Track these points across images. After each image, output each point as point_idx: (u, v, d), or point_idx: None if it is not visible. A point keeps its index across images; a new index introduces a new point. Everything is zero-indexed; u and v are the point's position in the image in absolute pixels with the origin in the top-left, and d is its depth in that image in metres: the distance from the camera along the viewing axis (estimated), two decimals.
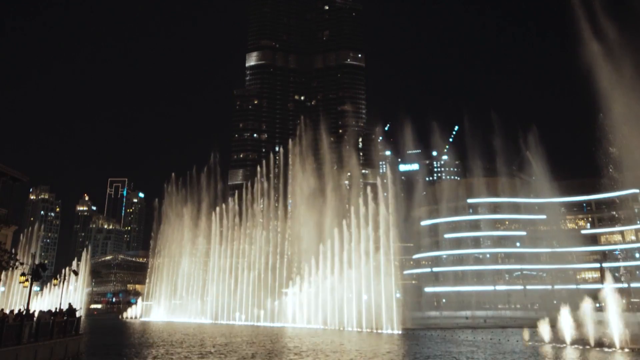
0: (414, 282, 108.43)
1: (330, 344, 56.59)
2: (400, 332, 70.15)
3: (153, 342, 59.65)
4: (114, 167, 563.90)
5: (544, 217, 78.99)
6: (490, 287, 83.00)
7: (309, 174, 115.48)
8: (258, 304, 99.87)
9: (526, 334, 59.05)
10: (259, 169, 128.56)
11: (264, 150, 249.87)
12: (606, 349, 50.42)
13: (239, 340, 60.66)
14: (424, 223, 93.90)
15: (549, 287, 77.94)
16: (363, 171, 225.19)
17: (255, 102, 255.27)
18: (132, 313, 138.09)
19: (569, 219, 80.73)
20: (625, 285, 67.07)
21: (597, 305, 64.21)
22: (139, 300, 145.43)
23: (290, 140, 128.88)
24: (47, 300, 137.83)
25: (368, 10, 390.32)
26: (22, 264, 38.60)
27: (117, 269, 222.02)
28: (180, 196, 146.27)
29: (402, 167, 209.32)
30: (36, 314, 41.40)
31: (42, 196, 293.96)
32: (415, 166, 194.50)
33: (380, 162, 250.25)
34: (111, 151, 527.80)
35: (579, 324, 55.90)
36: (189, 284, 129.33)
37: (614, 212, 77.50)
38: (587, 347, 52.84)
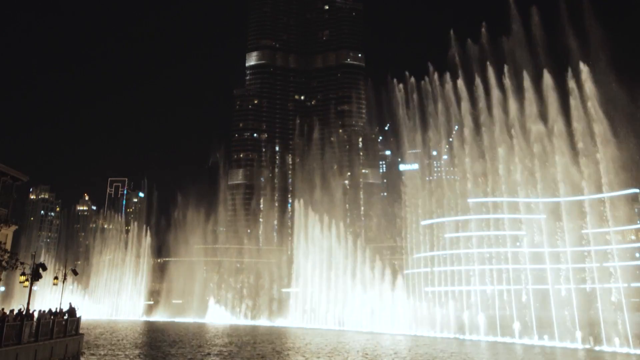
0: (413, 282, 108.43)
1: None
2: None
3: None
4: (114, 167, 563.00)
5: (544, 216, 78.95)
6: (490, 287, 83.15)
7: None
8: None
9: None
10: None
11: (264, 150, 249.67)
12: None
13: None
14: (423, 222, 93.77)
15: (549, 287, 78.07)
16: (363, 171, 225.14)
17: (255, 101, 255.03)
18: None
19: (569, 218, 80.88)
20: (626, 285, 67.04)
21: (596, 305, 64.16)
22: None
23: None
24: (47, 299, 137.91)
25: (368, 10, 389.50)
26: (22, 263, 38.61)
27: None
28: (190, 201, 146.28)
29: (402, 167, 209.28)
30: (36, 314, 41.45)
31: (42, 196, 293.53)
32: (415, 166, 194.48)
33: (380, 162, 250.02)
34: (111, 151, 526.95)
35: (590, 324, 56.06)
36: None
37: (614, 212, 77.77)
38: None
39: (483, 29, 78.96)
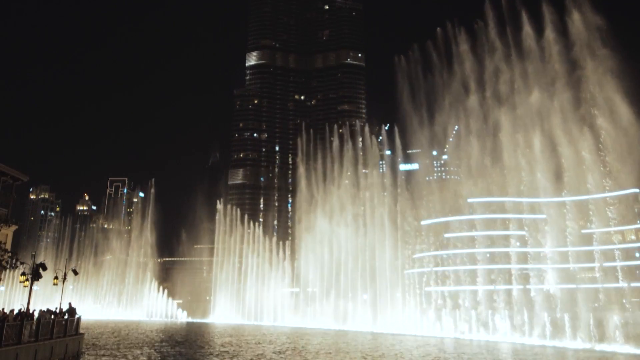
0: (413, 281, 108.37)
1: None
2: None
3: None
4: (114, 167, 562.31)
5: (544, 216, 79.07)
6: (490, 287, 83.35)
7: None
8: None
9: None
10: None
11: (264, 149, 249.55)
12: None
13: None
14: (424, 222, 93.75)
15: (549, 286, 78.36)
16: (363, 171, 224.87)
17: (255, 101, 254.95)
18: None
19: (569, 218, 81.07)
20: (625, 284, 67.16)
21: (597, 304, 64.15)
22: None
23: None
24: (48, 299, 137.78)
25: (368, 10, 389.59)
26: (22, 263, 38.54)
27: None
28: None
29: (402, 167, 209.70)
30: (36, 314, 41.36)
31: (42, 196, 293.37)
32: (415, 166, 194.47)
33: (380, 162, 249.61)
34: (111, 151, 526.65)
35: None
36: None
37: (614, 212, 77.88)
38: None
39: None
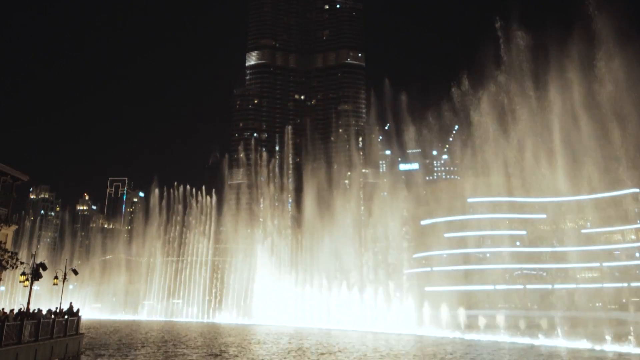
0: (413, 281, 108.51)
1: None
2: None
3: None
4: (114, 167, 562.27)
5: (544, 216, 79.10)
6: (490, 287, 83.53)
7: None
8: None
9: None
10: None
11: (264, 149, 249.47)
12: None
13: None
14: (424, 222, 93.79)
15: (549, 286, 78.55)
16: (363, 170, 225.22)
17: (255, 101, 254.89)
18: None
19: (569, 218, 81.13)
20: (625, 284, 67.21)
21: (598, 304, 64.18)
22: None
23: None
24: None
25: (368, 10, 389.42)
26: (22, 263, 38.53)
27: None
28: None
29: (402, 167, 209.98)
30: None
31: (42, 195, 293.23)
32: (415, 166, 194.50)
33: (380, 162, 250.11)
34: (111, 151, 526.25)
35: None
36: None
37: (614, 212, 77.86)
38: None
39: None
